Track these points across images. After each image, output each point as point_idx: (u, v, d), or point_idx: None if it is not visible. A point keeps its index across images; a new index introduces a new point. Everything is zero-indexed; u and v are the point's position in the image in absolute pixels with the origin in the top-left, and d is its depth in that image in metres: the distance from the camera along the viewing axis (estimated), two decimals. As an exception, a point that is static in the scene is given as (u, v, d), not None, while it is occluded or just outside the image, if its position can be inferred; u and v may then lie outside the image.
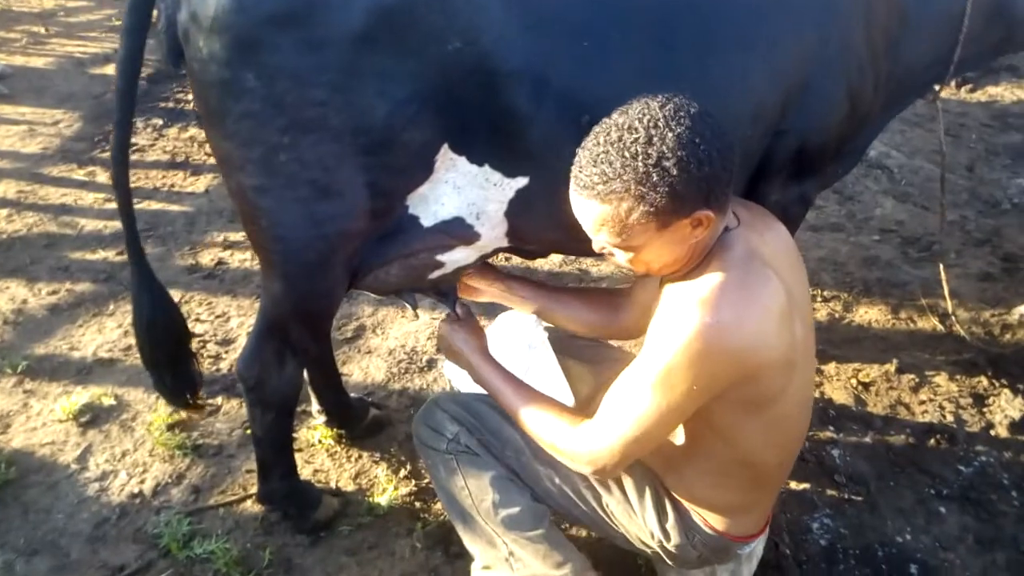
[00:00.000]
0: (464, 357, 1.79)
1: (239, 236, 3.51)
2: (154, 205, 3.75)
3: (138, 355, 2.72)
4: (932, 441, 2.56)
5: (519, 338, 2.05)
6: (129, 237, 1.78)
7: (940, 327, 3.06)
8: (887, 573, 2.14)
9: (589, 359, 2.14)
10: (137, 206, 3.73)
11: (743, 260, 1.46)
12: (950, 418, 2.65)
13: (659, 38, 1.60)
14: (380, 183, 1.58)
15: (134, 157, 4.19)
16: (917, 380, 2.80)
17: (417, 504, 2.27)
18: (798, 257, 1.66)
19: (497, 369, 1.74)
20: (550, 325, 2.13)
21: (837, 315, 3.14)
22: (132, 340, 2.83)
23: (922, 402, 2.72)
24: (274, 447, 2.00)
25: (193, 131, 4.48)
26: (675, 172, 1.32)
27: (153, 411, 2.56)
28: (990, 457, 2.50)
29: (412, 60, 1.46)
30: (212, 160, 4.16)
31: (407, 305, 2.77)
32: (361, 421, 2.45)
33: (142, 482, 2.32)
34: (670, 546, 1.74)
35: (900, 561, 2.17)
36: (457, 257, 1.76)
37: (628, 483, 1.76)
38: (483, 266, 1.98)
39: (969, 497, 2.36)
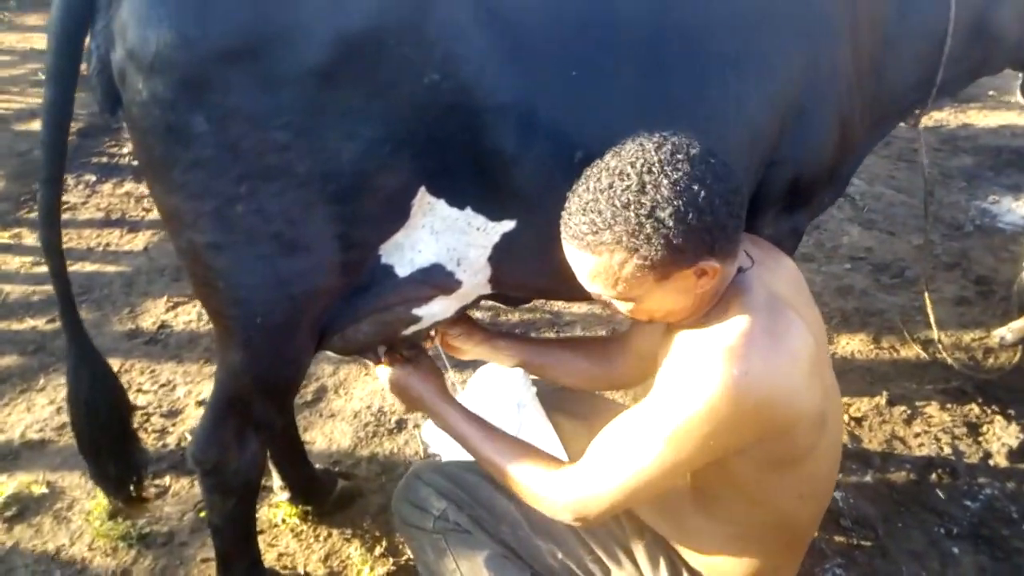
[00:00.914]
0: (424, 403, 1.61)
1: (183, 296, 3.26)
2: (88, 267, 3.47)
3: (73, 436, 2.48)
4: (933, 476, 2.45)
5: (506, 397, 1.87)
6: (63, 304, 1.55)
7: (924, 355, 2.99)
8: (909, 625, 2.00)
9: (581, 414, 1.95)
10: (70, 268, 3.45)
11: (766, 303, 1.32)
12: (948, 450, 2.55)
13: (652, 66, 1.48)
14: (352, 234, 1.40)
15: (65, 216, 3.90)
16: (909, 412, 2.70)
17: (397, 585, 2.05)
18: (808, 291, 1.53)
19: (462, 412, 1.56)
20: (537, 379, 1.96)
21: (819, 348, 3.04)
22: (66, 418, 2.56)
23: (917, 435, 2.62)
24: (236, 537, 1.77)
25: (129, 186, 4.21)
26: (671, 224, 1.19)
27: (92, 497, 2.28)
28: (994, 489, 2.40)
29: (384, 97, 1.30)
30: (151, 216, 3.91)
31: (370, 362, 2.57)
32: (328, 495, 2.22)
33: (80, 582, 2.04)
34: (690, 621, 1.57)
35: (921, 611, 2.03)
36: (435, 310, 1.58)
37: (640, 554, 1.58)
38: (464, 321, 1.81)
39: (981, 535, 2.24)
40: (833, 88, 1.71)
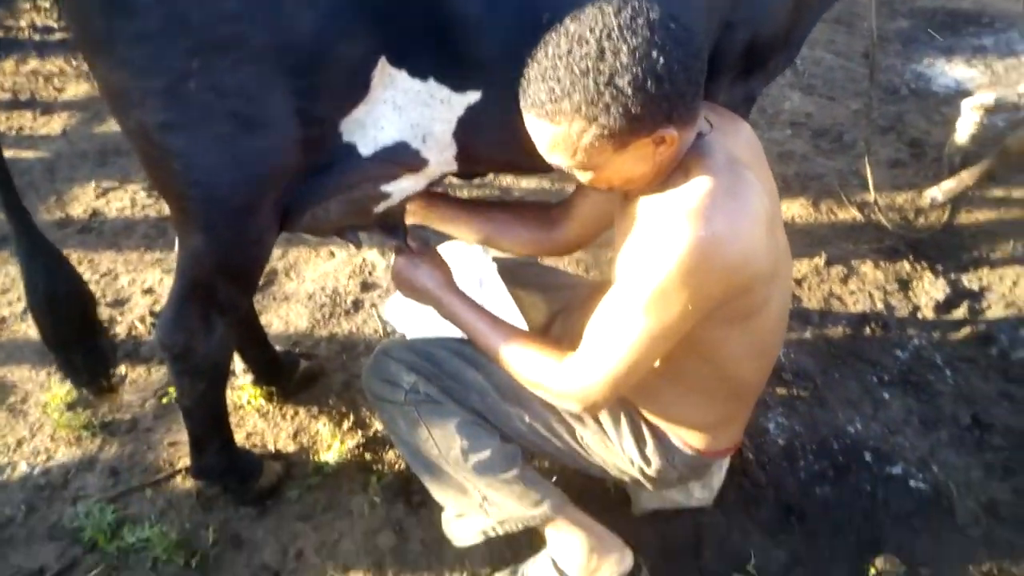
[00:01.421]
0: (430, 293, 1.62)
1: (112, 181, 3.11)
2: (5, 152, 3.24)
3: (13, 327, 2.41)
4: (867, 330, 2.61)
5: (469, 273, 1.88)
6: (6, 197, 1.48)
7: (860, 217, 3.11)
8: (844, 464, 2.18)
9: (540, 286, 2.00)
10: (-18, 155, 3.25)
11: (726, 166, 1.34)
12: (880, 306, 2.71)
13: None
14: (311, 109, 1.34)
15: (-34, 99, 3.62)
16: (845, 271, 2.84)
17: (367, 456, 2.11)
18: (764, 156, 1.56)
19: (470, 304, 1.58)
20: (498, 254, 1.97)
21: (761, 213, 3.13)
22: (3, 312, 2.50)
23: (852, 292, 2.76)
24: (208, 418, 1.78)
25: (33, 63, 3.89)
26: (629, 92, 1.17)
27: (46, 389, 2.24)
28: (921, 340, 2.58)
29: None
30: (64, 96, 3.66)
31: (329, 243, 2.53)
32: (292, 375, 2.24)
33: (47, 472, 2.04)
34: (651, 471, 1.68)
35: (855, 450, 2.21)
36: (404, 186, 1.55)
37: (603, 413, 1.66)
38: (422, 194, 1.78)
39: (909, 380, 2.43)
40: None
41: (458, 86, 1.43)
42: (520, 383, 1.53)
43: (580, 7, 1.24)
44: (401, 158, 1.50)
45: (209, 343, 1.61)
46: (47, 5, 4.42)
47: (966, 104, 3.16)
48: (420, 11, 1.31)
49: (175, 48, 1.20)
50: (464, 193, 3.13)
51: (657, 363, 1.55)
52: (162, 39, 1.19)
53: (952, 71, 4.14)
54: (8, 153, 3.22)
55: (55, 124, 3.45)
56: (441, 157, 1.54)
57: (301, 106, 1.32)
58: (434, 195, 1.85)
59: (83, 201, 3.00)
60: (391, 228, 1.67)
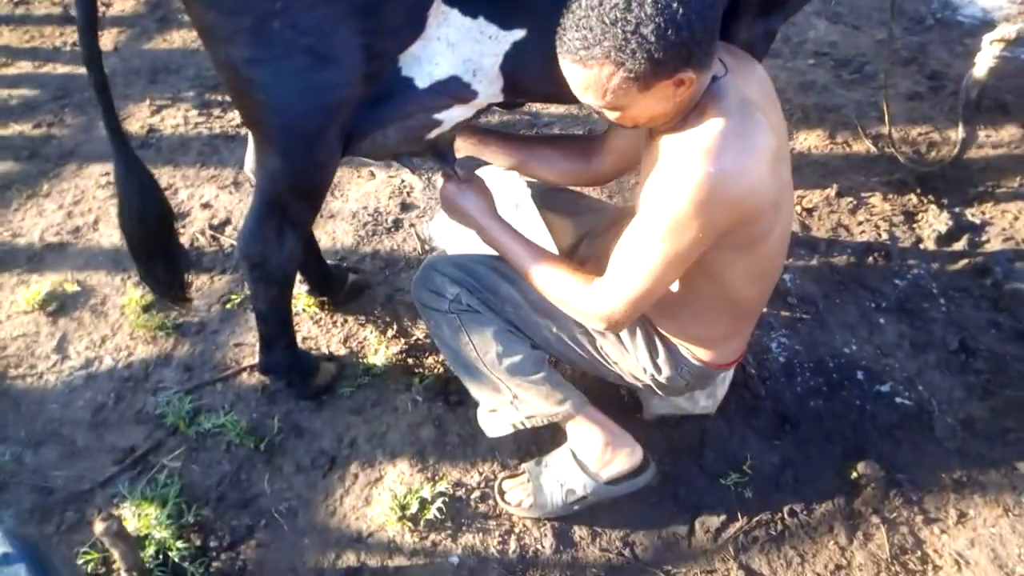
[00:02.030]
0: (474, 219, 1.81)
1: (164, 99, 3.29)
2: (60, 68, 3.43)
3: (87, 235, 2.65)
4: (870, 259, 2.79)
5: (505, 197, 2.07)
6: (108, 120, 1.67)
7: (874, 149, 3.24)
8: (837, 381, 2.40)
9: (568, 211, 2.19)
10: (40, 69, 3.43)
11: (738, 108, 1.50)
12: (885, 236, 2.88)
13: None
14: (374, 45, 1.51)
15: (20, 11, 3.76)
16: (855, 202, 3.00)
17: (410, 360, 2.37)
18: (775, 96, 1.71)
19: (509, 230, 1.78)
20: (531, 180, 2.16)
21: (779, 144, 3.26)
22: (78, 221, 2.72)
23: (860, 223, 2.93)
24: (278, 320, 2.02)
25: (81, -23, 4.00)
26: (652, 39, 1.33)
27: (122, 294, 2.50)
28: (920, 270, 2.76)
29: None
30: (112, 11, 3.78)
31: (369, 165, 2.72)
32: (342, 287, 2.47)
33: (130, 365, 2.32)
34: (661, 378, 1.90)
35: (848, 369, 2.43)
36: (455, 114, 1.73)
37: (620, 324, 1.88)
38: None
39: (904, 307, 2.63)
40: None
41: (505, 24, 1.59)
42: (554, 303, 1.75)
43: (572, 5, 1.40)
44: (454, 90, 1.67)
45: (282, 253, 1.83)
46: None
47: (987, 38, 3.22)
48: None
49: None
50: (495, 119, 3.29)
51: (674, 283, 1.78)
52: None
53: (980, 0, 4.15)
54: (65, 69, 3.44)
55: (106, 40, 3.60)
56: (490, 89, 1.71)
57: (366, 42, 1.49)
58: (483, 129, 2.03)
59: (139, 117, 3.20)
60: (441, 154, 1.86)
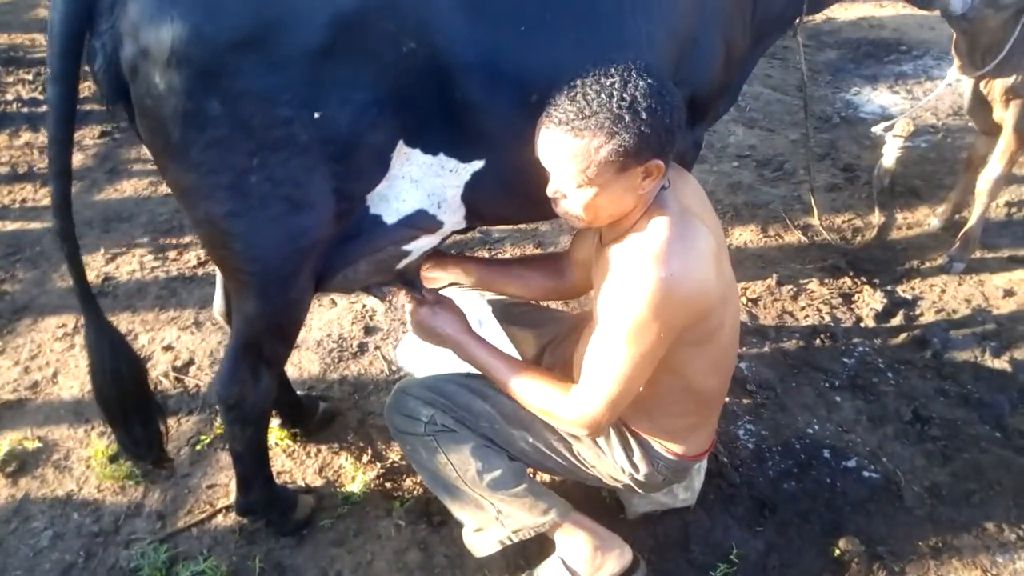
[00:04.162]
0: (451, 337, 1.87)
1: (119, 247, 3.32)
2: (10, 225, 3.44)
3: (47, 390, 2.60)
4: (817, 341, 2.94)
5: (469, 314, 2.15)
6: (79, 285, 1.70)
7: (804, 238, 3.46)
8: (806, 461, 2.48)
9: (528, 323, 2.29)
10: (-11, 228, 3.43)
11: (679, 216, 1.64)
12: (827, 318, 3.05)
13: (582, 15, 1.72)
14: (344, 188, 1.61)
15: (-36, 173, 3.80)
16: (795, 289, 3.18)
17: (388, 485, 2.35)
18: (707, 200, 1.86)
19: (485, 345, 1.85)
20: (493, 297, 2.25)
21: (718, 241, 3.46)
22: (35, 376, 2.69)
23: (803, 308, 3.10)
24: (255, 459, 2.01)
25: (27, 136, 4.09)
26: (644, 116, 1.48)
27: (86, 446, 2.45)
28: (865, 347, 2.92)
29: (371, 66, 1.49)
30: (61, 166, 3.84)
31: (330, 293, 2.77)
32: (313, 416, 2.48)
33: (99, 519, 2.24)
34: (640, 476, 1.95)
35: (814, 449, 2.52)
36: (422, 244, 1.83)
37: (593, 427, 1.93)
38: (435, 253, 2.06)
39: (856, 384, 2.76)
40: (717, 18, 1.99)
41: (464, 157, 1.71)
42: (529, 411, 1.80)
43: (567, 86, 1.54)
44: (420, 222, 1.78)
45: (257, 392, 1.85)
46: (30, 78, 4.62)
47: (888, 133, 3.54)
48: (432, 101, 1.59)
49: (239, 150, 1.46)
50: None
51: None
52: (228, 144, 1.45)
53: (878, 98, 4.57)
54: (15, 225, 3.46)
55: (56, 194, 3.64)
56: (453, 218, 1.82)
57: (337, 186, 1.59)
58: (462, 257, 2.13)
59: (94, 267, 3.21)
60: (409, 281, 1.94)
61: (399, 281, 1.91)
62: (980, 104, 3.10)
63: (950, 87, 3.33)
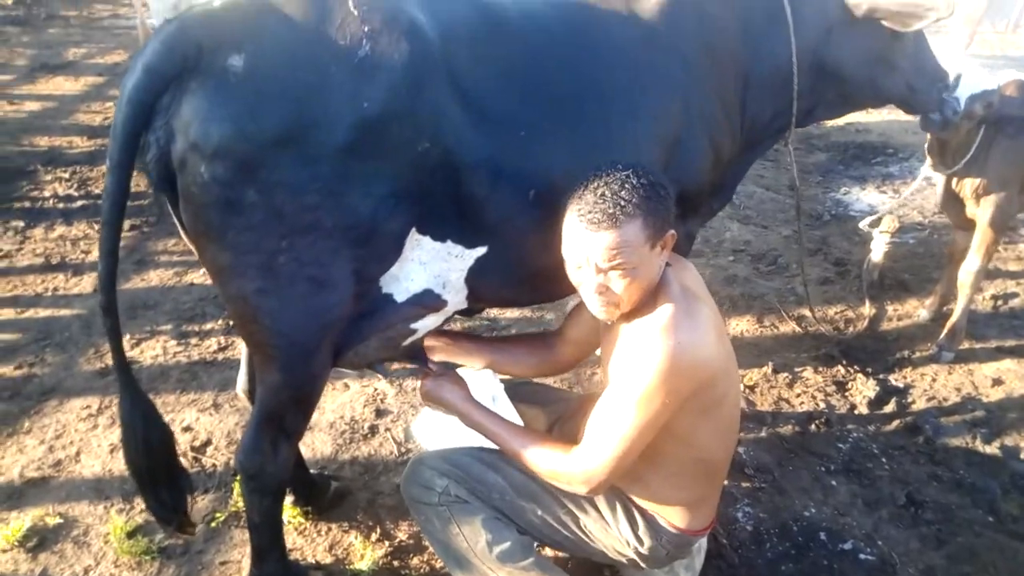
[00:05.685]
0: (455, 405, 2.01)
1: (144, 332, 3.49)
2: (42, 312, 3.62)
3: (69, 468, 2.71)
4: (813, 427, 3.04)
5: (482, 392, 2.28)
6: (117, 358, 1.83)
7: (798, 328, 3.61)
8: (803, 544, 2.54)
9: (538, 401, 2.41)
10: (23, 315, 3.62)
11: (681, 294, 1.81)
12: (822, 405, 3.15)
13: (577, 122, 1.94)
14: (363, 270, 1.78)
15: (3, 264, 4.01)
16: (790, 377, 3.30)
17: (395, 563, 2.42)
18: (705, 286, 2.02)
19: (487, 412, 1.98)
20: (504, 376, 2.39)
21: (715, 330, 3.61)
22: (59, 455, 2.79)
23: (798, 395, 3.21)
24: (270, 531, 2.10)
25: (61, 230, 4.33)
26: (662, 193, 1.73)
27: (105, 522, 2.53)
28: (859, 433, 3.02)
29: (390, 162, 1.69)
30: (91, 258, 4.06)
31: (343, 376, 2.92)
32: (324, 495, 2.57)
33: (115, 595, 2.31)
34: (644, 550, 2.02)
35: (811, 531, 2.58)
36: (428, 323, 1.99)
37: (600, 502, 2.03)
38: (443, 333, 2.21)
39: (851, 468, 2.84)
40: (703, 122, 2.20)
41: (469, 244, 1.90)
42: (536, 475, 1.91)
43: (586, 190, 1.73)
44: (427, 301, 1.94)
45: (276, 463, 1.97)
46: (66, 176, 4.92)
47: (868, 226, 3.73)
48: (442, 194, 1.79)
49: (271, 234, 1.64)
50: (458, 326, 3.56)
51: (646, 449, 1.95)
52: (262, 228, 1.63)
53: (866, 197, 4.80)
54: (47, 312, 3.64)
55: (86, 283, 3.85)
56: (456, 298, 1.99)
57: (356, 268, 1.76)
58: (455, 334, 2.28)
59: (118, 352, 3.36)
60: (414, 357, 2.09)
61: (405, 357, 2.05)
62: (953, 200, 3.31)
63: (929, 185, 3.54)
